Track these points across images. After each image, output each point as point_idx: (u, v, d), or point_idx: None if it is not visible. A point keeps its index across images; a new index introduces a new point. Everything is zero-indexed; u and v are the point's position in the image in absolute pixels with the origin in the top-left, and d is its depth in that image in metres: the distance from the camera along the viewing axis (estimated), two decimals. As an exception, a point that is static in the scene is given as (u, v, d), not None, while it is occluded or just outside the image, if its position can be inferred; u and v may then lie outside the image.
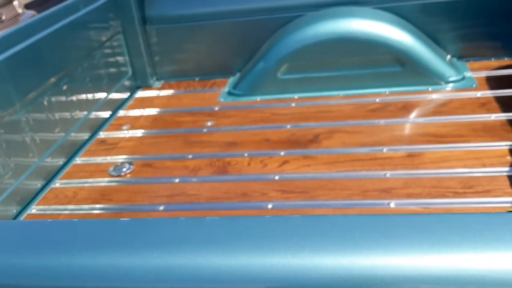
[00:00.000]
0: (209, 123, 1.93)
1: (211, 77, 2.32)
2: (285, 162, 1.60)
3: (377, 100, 1.90)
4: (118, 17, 2.19)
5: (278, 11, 2.15)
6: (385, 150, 1.57)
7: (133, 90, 2.31)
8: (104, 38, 2.08)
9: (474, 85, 1.88)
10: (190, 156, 1.72)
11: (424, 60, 1.92)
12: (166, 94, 2.25)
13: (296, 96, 2.03)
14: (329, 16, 2.00)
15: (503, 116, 1.65)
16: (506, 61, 2.02)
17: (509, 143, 1.50)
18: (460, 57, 2.07)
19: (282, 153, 1.65)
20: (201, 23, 2.24)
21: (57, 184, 1.68)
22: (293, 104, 1.98)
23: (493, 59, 2.05)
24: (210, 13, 2.23)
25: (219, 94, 2.17)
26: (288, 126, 1.82)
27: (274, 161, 1.61)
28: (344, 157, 1.57)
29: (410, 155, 1.52)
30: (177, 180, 1.59)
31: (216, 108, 2.05)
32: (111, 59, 2.15)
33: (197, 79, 2.34)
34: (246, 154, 1.67)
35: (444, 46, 2.06)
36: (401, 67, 1.92)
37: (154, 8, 2.28)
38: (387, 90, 1.95)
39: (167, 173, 1.65)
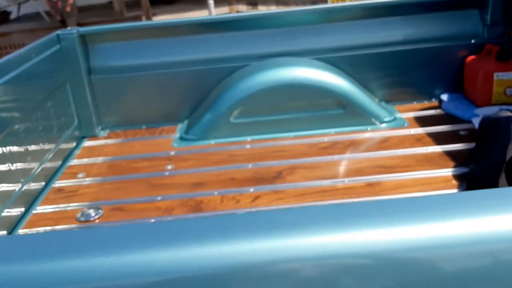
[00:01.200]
0: (169, 167, 1.97)
1: (158, 125, 2.37)
2: (257, 197, 1.68)
3: (325, 139, 2.07)
4: (64, 67, 2.19)
5: (223, 62, 2.30)
6: (346, 181, 1.73)
7: (79, 139, 2.28)
8: (52, 88, 2.06)
9: (405, 124, 2.13)
10: (159, 198, 1.74)
11: (362, 103, 2.15)
12: (115, 142, 2.25)
13: (249, 138, 2.15)
14: (275, 65, 2.18)
15: (438, 148, 1.90)
16: (426, 104, 2.33)
17: (450, 169, 1.73)
18: (387, 101, 2.35)
19: (251, 190, 1.73)
20: (146, 73, 2.30)
21: (20, 233, 1.60)
22: (247, 146, 2.09)
23: (415, 102, 2.34)
24: (155, 64, 2.31)
25: (170, 140, 2.21)
26: (250, 165, 1.92)
27: (246, 197, 1.69)
28: (311, 189, 1.70)
29: (370, 184, 1.69)
30: (152, 220, 1.60)
31: (172, 153, 2.09)
32: (59, 109, 2.12)
33: (144, 127, 2.37)
34: (216, 193, 1.73)
35: (372, 92, 2.33)
36: (342, 109, 2.13)
37: (99, 58, 2.31)
38: (332, 130, 2.14)
39: (140, 214, 1.65)
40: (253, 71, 2.18)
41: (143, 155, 2.09)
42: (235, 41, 2.31)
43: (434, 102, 2.33)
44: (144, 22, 2.35)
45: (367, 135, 2.08)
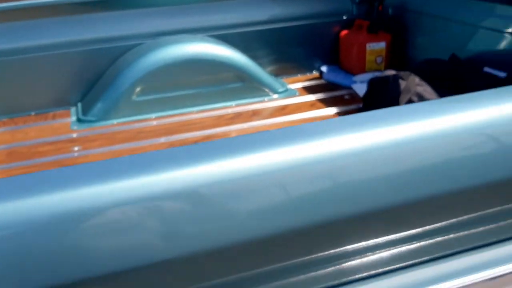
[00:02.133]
0: (76, 148, 1.90)
1: (48, 110, 2.24)
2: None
3: (229, 111, 2.18)
4: None
5: (113, 41, 2.26)
6: None
7: (-39, 130, 2.06)
8: None
9: (296, 93, 2.34)
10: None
11: (258, 76, 2.30)
12: (6, 130, 2.08)
13: (153, 115, 2.15)
14: (173, 42, 2.21)
15: (330, 110, 2.13)
16: (309, 76, 2.57)
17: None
18: (275, 75, 2.53)
19: None
20: (30, 55, 2.16)
21: None
22: (154, 123, 2.10)
23: (299, 75, 2.57)
24: (39, 46, 2.18)
25: (67, 123, 2.12)
26: (162, 139, 1.94)
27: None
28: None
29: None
30: None
31: (74, 135, 2.01)
32: None
33: (33, 113, 2.22)
34: None
35: (262, 67, 2.49)
36: (241, 83, 2.26)
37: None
38: (233, 103, 2.25)
39: None
40: (151, 48, 2.19)
41: (43, 140, 1.98)
42: (125, 19, 2.28)
43: (316, 74, 2.58)
44: (25, 2, 2.18)
45: (266, 104, 2.24)
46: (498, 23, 1.87)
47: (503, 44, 1.88)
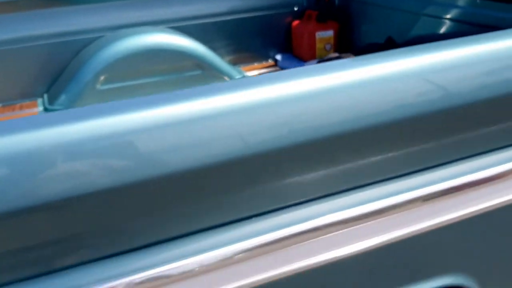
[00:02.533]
0: None
1: (15, 102, 2.33)
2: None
3: (191, 97, 2.32)
4: None
5: (76, 35, 2.37)
6: None
7: None
8: None
9: (253, 80, 2.50)
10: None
11: (217, 65, 2.45)
12: (-27, 121, 2.16)
13: (118, 103, 2.27)
14: (133, 33, 2.34)
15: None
16: (265, 63, 2.74)
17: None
18: (233, 64, 2.69)
19: None
20: None
21: None
22: (119, 109, 2.22)
23: (255, 63, 2.74)
24: (7, 40, 2.26)
25: (35, 113, 2.22)
26: None
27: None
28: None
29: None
30: None
31: None
32: None
33: (0, 105, 2.31)
34: None
35: (221, 56, 2.64)
36: (201, 71, 2.40)
37: None
38: (194, 90, 2.39)
39: None
40: (112, 40, 2.30)
41: None
42: (87, 13, 2.39)
43: (271, 62, 2.75)
44: (-13, -3, 2.26)
45: None
46: (436, 10, 2.08)
47: (440, 29, 2.09)
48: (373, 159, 1.07)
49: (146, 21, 2.46)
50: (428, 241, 1.17)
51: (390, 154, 1.09)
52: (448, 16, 2.00)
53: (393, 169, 1.11)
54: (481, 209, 1.20)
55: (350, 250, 1.07)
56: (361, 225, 1.06)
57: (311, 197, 1.04)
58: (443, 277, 1.24)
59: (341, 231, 1.05)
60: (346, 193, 1.07)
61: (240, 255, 0.96)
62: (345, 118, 1.01)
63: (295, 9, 2.72)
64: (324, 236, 1.03)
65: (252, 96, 0.97)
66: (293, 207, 1.02)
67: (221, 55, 2.62)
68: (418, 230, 1.13)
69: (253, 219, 0.99)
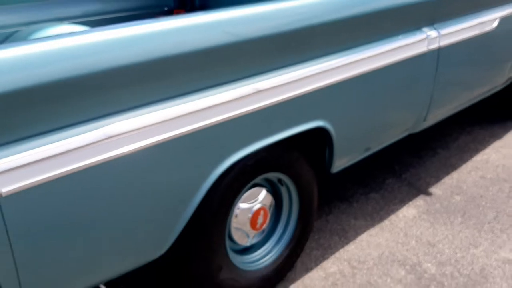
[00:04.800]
0: None
1: None
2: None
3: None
4: None
5: None
6: None
7: None
8: None
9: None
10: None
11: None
12: None
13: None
14: (39, 29, 2.31)
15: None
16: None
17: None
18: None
19: None
20: None
21: None
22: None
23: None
24: None
25: None
26: None
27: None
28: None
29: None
30: None
31: None
32: None
33: None
34: None
35: None
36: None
37: None
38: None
39: None
40: (26, 34, 2.28)
41: None
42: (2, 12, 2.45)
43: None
44: None
45: None
46: None
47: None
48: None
49: (52, 19, 2.54)
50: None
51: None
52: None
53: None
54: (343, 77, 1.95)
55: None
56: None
57: None
58: (309, 122, 1.87)
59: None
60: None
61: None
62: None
63: (166, 9, 3.00)
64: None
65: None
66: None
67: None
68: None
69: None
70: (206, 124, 1.54)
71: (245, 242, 1.98)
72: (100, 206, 1.38)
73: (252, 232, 1.98)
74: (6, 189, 1.18)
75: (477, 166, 3.05)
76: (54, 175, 1.25)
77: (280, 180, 2.02)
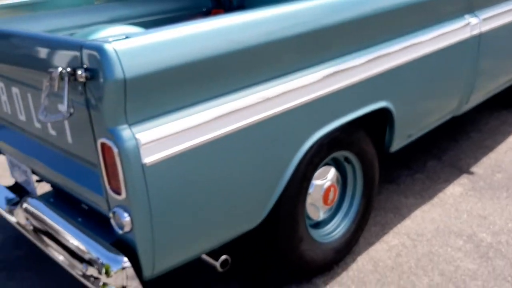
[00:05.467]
0: None
1: None
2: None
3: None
4: None
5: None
6: None
7: None
8: None
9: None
10: None
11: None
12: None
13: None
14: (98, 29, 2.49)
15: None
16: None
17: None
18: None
19: None
20: None
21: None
22: None
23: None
24: None
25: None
26: None
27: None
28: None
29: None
30: None
31: None
32: None
33: None
34: None
35: None
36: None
37: None
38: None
39: None
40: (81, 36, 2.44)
41: None
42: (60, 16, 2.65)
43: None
44: None
45: None
46: None
47: None
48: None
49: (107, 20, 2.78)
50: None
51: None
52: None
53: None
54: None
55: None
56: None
57: None
58: (375, 103, 2.05)
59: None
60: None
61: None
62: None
63: (204, 9, 3.19)
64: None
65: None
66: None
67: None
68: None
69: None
70: (299, 103, 1.71)
71: (317, 217, 2.13)
72: (225, 175, 1.57)
73: (324, 208, 2.13)
74: (149, 159, 1.34)
75: (510, 148, 3.21)
76: (189, 146, 1.41)
77: (346, 159, 2.17)
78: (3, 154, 2.20)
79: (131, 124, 1.32)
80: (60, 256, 1.60)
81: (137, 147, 1.31)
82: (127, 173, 1.31)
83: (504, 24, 2.75)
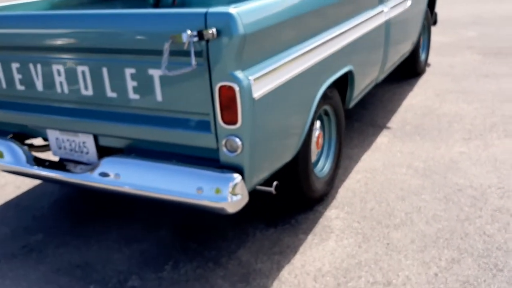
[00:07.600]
0: None
1: None
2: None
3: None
4: None
5: None
6: None
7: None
8: None
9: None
10: None
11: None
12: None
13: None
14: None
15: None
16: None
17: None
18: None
19: None
20: None
21: None
22: None
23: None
24: None
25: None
26: None
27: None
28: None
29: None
30: None
31: None
32: None
33: None
34: None
35: None
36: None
37: None
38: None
39: None
40: None
41: None
42: None
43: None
44: None
45: None
46: None
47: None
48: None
49: None
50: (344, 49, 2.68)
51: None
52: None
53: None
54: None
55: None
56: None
57: None
58: (347, 66, 2.75)
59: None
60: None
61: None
62: None
63: None
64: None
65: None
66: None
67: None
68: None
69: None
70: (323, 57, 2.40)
71: (313, 158, 2.74)
72: (293, 107, 2.18)
73: (315, 151, 2.76)
74: (257, 94, 1.84)
75: (407, 109, 4.19)
76: (279, 83, 1.98)
77: (325, 112, 2.83)
78: (40, 136, 2.41)
79: (243, 69, 1.81)
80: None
81: (249, 86, 1.80)
82: (244, 105, 1.79)
83: (401, 12, 3.69)
